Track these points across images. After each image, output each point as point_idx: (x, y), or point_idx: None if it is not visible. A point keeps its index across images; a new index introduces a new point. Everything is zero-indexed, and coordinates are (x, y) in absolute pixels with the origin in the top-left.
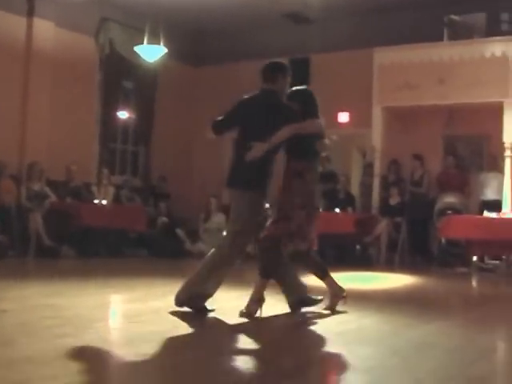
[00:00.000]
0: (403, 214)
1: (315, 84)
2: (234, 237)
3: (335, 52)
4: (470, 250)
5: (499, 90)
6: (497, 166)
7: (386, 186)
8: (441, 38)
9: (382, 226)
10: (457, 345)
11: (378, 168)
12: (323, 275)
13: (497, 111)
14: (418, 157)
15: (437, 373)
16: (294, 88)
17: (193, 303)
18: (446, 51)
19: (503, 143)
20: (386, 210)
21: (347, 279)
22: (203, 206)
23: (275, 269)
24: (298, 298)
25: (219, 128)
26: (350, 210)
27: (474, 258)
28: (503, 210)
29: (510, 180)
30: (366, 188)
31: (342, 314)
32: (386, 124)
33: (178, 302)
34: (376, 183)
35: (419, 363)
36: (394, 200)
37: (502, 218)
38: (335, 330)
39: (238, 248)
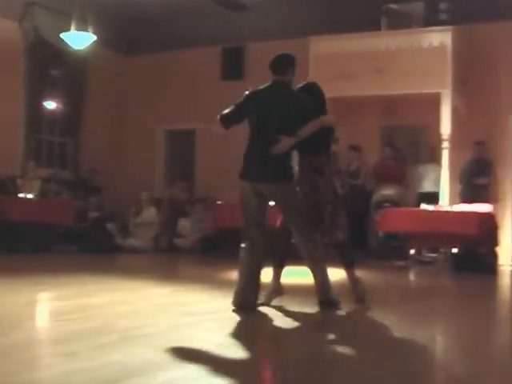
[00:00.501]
0: None
1: (250, 73)
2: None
3: (270, 40)
4: (407, 242)
5: (437, 80)
6: (435, 158)
7: None
8: (378, 27)
9: None
10: (393, 338)
11: None
12: (352, 265)
13: (434, 102)
14: (354, 148)
15: (371, 366)
16: (303, 83)
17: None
18: (384, 41)
19: (441, 135)
20: None
21: (282, 274)
22: (134, 200)
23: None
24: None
25: (229, 121)
26: None
27: (412, 251)
28: (440, 203)
29: (447, 172)
30: None
31: (278, 309)
32: None
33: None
34: None
35: (359, 356)
36: None
37: (439, 211)
38: (271, 325)
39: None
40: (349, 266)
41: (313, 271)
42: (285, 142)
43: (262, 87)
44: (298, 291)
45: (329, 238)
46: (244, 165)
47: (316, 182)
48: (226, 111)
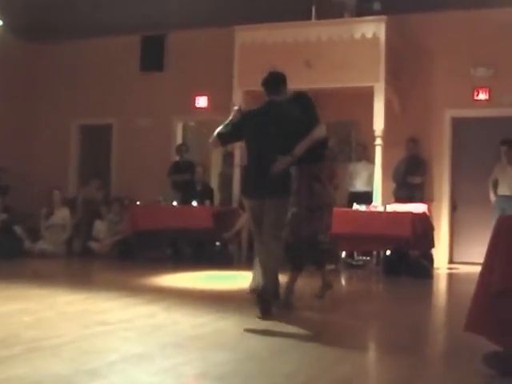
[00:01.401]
0: None
1: (170, 64)
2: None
3: (194, 29)
4: (338, 245)
5: (369, 73)
6: (367, 156)
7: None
8: (309, 17)
9: (243, 221)
10: (318, 347)
11: (238, 157)
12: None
13: (366, 96)
14: None
15: (295, 376)
16: (293, 91)
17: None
18: (314, 31)
19: (373, 131)
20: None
21: (205, 279)
22: (46, 201)
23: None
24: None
25: (227, 140)
26: (207, 203)
27: (343, 254)
28: (374, 203)
29: (380, 170)
30: (226, 179)
31: (199, 317)
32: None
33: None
34: (236, 174)
35: (277, 367)
36: None
37: (371, 211)
38: (190, 334)
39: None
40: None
41: (266, 268)
42: (282, 162)
43: (257, 107)
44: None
45: (323, 237)
46: (245, 183)
47: (313, 188)
48: (223, 129)
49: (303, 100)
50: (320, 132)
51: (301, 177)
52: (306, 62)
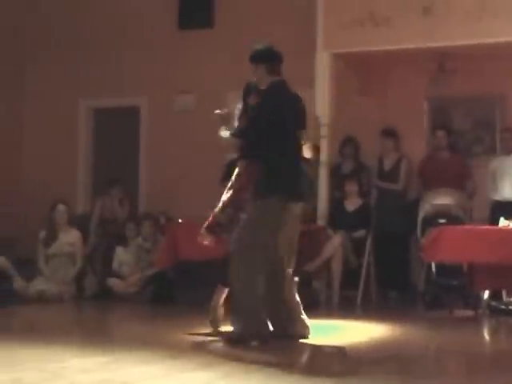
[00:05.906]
0: (367, 225)
1: (224, 17)
2: None
3: None
4: (476, 281)
5: None
6: None
7: (338, 179)
8: None
9: (334, 246)
10: None
11: (325, 152)
12: None
13: None
14: (389, 133)
15: None
16: None
17: None
18: None
19: None
20: (339, 219)
21: None
22: (44, 220)
23: None
24: None
25: None
26: None
27: (485, 295)
28: None
29: None
30: (308, 185)
31: None
32: (338, 80)
33: None
34: (323, 176)
35: None
36: (351, 203)
37: None
38: None
39: None
40: None
41: None
42: None
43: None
44: None
45: None
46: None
47: None
48: None
49: None
50: None
51: None
52: (423, 8)
